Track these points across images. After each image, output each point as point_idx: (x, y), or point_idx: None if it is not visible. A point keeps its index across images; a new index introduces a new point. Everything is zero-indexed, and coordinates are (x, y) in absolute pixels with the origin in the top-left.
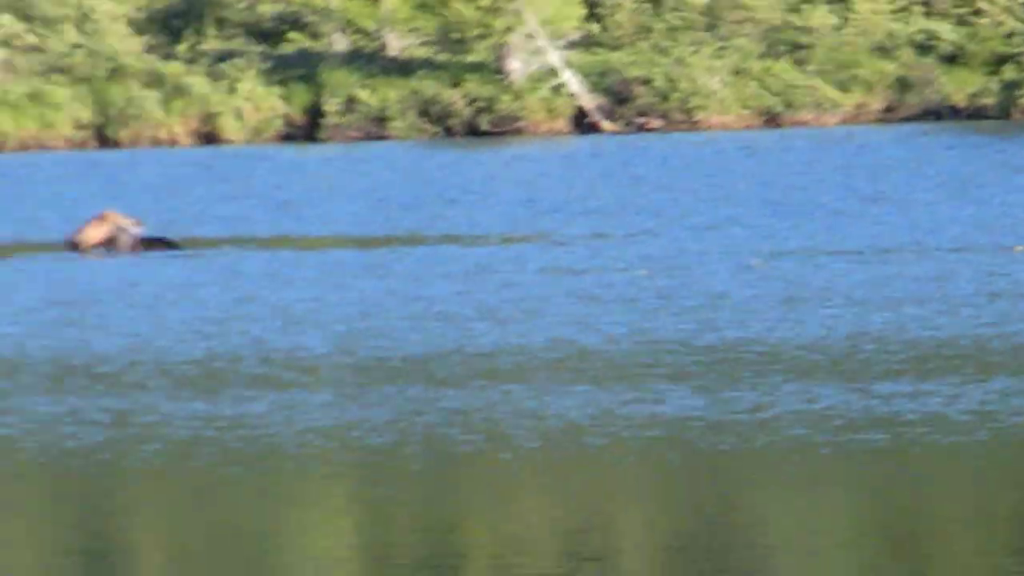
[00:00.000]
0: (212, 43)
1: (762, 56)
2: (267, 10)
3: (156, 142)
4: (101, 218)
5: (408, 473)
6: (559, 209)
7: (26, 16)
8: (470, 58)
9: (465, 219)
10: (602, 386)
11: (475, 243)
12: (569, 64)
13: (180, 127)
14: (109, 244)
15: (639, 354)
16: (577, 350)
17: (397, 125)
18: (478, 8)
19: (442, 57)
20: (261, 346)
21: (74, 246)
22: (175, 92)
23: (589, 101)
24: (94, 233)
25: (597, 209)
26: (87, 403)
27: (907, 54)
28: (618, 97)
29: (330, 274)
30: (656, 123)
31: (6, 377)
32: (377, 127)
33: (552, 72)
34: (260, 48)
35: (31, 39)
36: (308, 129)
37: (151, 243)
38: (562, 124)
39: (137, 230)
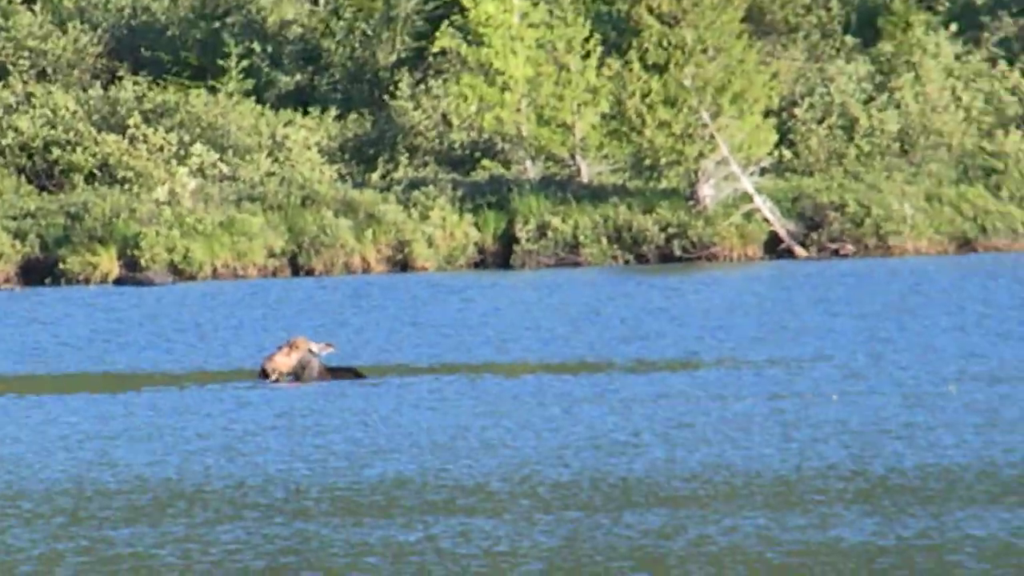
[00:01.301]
0: (404, 171)
1: (955, 181)
2: (459, 138)
3: (349, 269)
4: (291, 345)
5: None
6: (750, 334)
7: (219, 145)
8: (662, 184)
9: (657, 345)
10: (777, 511)
11: (663, 368)
12: (761, 190)
13: (373, 254)
14: (298, 371)
15: (803, 480)
16: (767, 475)
17: (590, 251)
18: (670, 135)
19: (634, 183)
20: (429, 474)
21: (264, 374)
22: (368, 220)
23: (782, 227)
24: (284, 360)
25: (794, 334)
26: (258, 530)
27: None
28: (811, 223)
29: (508, 400)
30: (850, 248)
31: (183, 506)
32: (570, 253)
33: (745, 198)
34: (452, 176)
35: (224, 168)
36: (501, 256)
37: (337, 372)
38: (755, 250)
39: (329, 351)
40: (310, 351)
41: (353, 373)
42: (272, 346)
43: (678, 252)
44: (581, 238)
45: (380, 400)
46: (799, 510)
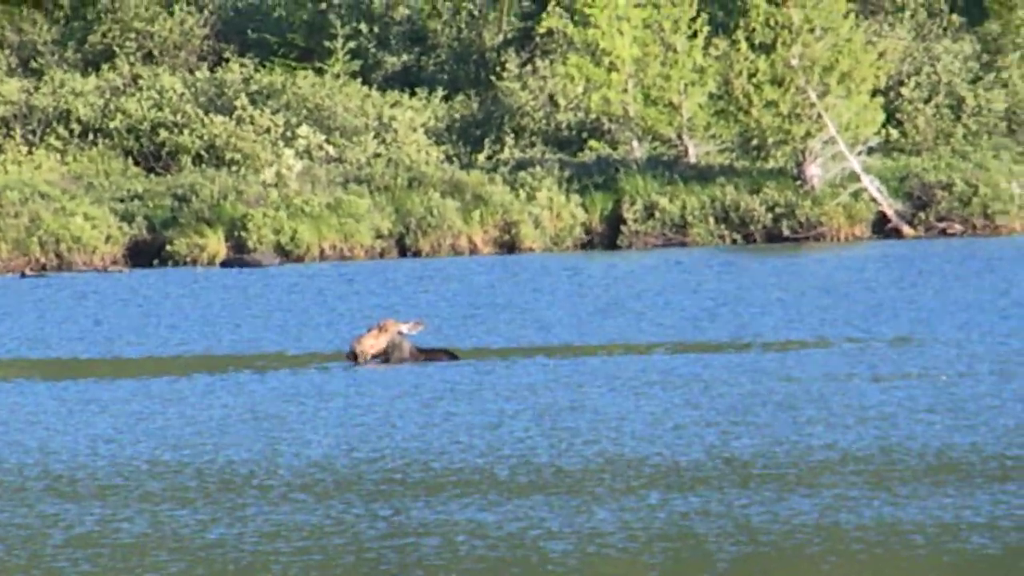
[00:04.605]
0: (511, 152)
1: None
2: (566, 119)
3: (456, 251)
4: (380, 327)
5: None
6: (858, 315)
7: (326, 127)
8: (769, 164)
9: (759, 325)
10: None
11: (769, 349)
12: (868, 169)
13: (480, 236)
14: (388, 353)
15: (888, 462)
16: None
17: (697, 231)
18: (777, 115)
19: (741, 163)
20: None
21: (353, 356)
22: (475, 201)
23: (889, 206)
24: (372, 342)
25: (896, 314)
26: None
27: None
28: (918, 202)
29: (609, 382)
30: (957, 228)
31: (259, 488)
32: (677, 234)
33: (852, 177)
34: (559, 156)
35: (331, 150)
36: (607, 236)
37: (430, 353)
38: (863, 229)
39: (419, 329)
40: (400, 332)
41: (447, 354)
42: (365, 328)
43: (786, 232)
44: (689, 218)
45: (464, 382)
46: (881, 488)
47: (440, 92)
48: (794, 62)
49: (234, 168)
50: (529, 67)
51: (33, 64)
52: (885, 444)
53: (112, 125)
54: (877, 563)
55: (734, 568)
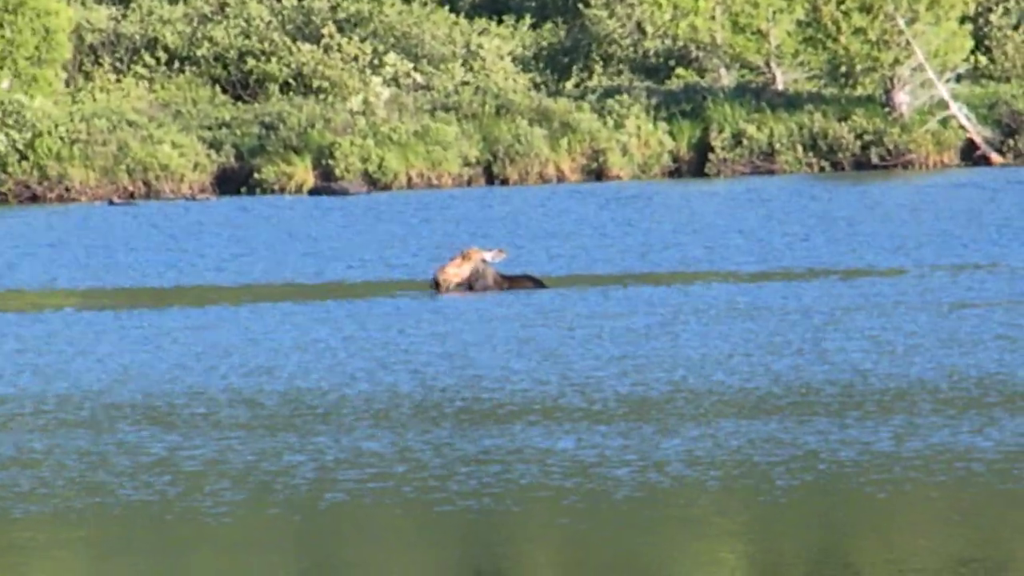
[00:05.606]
0: (598, 80)
1: None
2: (653, 46)
3: (544, 178)
4: (464, 255)
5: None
6: (940, 242)
7: (413, 55)
8: (858, 92)
9: (841, 253)
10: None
11: (849, 277)
12: (957, 97)
13: (567, 163)
14: (472, 281)
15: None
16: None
17: (785, 159)
18: (866, 42)
19: (830, 91)
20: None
21: (436, 284)
22: (562, 129)
23: (978, 134)
24: (455, 271)
25: (979, 241)
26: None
27: None
28: (1007, 129)
29: (688, 310)
30: None
31: (328, 414)
32: (765, 161)
33: (940, 104)
34: (647, 84)
35: (418, 77)
36: (695, 164)
37: (515, 280)
38: (951, 157)
39: (501, 257)
40: (483, 260)
41: (532, 282)
42: (449, 257)
43: (874, 159)
44: (776, 146)
45: (547, 310)
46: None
47: (528, 20)
48: None
49: (321, 96)
50: None
51: None
52: (958, 372)
53: (199, 53)
54: (941, 491)
55: (792, 495)
